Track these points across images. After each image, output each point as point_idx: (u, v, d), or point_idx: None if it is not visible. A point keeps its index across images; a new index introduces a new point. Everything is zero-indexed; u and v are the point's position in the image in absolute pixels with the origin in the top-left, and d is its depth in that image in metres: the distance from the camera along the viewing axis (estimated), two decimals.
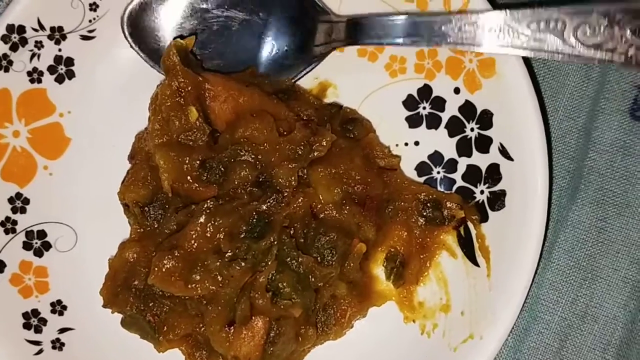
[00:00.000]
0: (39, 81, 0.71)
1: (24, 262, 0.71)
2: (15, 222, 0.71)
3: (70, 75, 0.72)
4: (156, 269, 0.64)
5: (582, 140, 0.74)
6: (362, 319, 0.72)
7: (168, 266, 0.64)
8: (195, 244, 0.65)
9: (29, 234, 0.72)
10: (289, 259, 0.66)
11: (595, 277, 0.73)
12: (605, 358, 0.72)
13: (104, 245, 0.72)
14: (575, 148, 0.74)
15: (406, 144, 0.74)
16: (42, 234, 0.72)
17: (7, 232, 0.71)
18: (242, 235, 0.65)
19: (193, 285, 0.65)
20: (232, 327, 0.65)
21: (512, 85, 0.68)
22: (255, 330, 0.65)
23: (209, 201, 0.65)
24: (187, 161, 0.66)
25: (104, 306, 0.69)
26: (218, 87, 0.67)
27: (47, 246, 0.72)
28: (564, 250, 0.74)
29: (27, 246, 0.72)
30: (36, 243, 0.72)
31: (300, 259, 0.66)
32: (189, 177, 0.66)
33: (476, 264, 0.70)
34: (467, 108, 0.71)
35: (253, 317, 0.65)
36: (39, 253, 0.72)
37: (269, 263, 0.65)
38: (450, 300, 0.71)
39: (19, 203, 0.71)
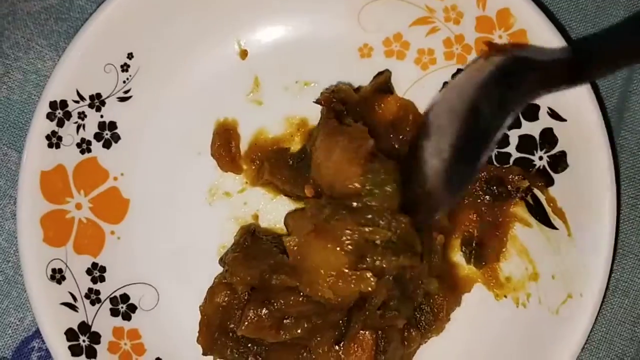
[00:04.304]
0: (89, 150, 0.72)
1: (115, 328, 0.71)
2: (98, 292, 0.72)
3: (116, 138, 0.73)
4: (247, 321, 0.65)
5: (615, 119, 0.75)
6: (458, 308, 0.73)
7: (260, 315, 0.65)
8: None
9: (113, 300, 0.72)
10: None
11: (627, 253, 0.74)
12: (635, 331, 0.74)
13: (186, 295, 0.72)
14: (608, 127, 0.73)
15: None
16: (125, 297, 0.73)
17: (92, 303, 0.71)
18: None
19: (285, 332, 0.65)
20: (341, 345, 0.65)
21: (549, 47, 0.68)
22: (364, 344, 0.65)
23: None
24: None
25: (204, 354, 0.69)
26: None
27: (132, 308, 0.73)
28: None
29: (114, 312, 0.72)
30: (122, 307, 0.72)
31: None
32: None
33: (553, 227, 0.71)
34: None
35: (360, 332, 0.65)
36: (127, 317, 0.72)
37: None
38: (536, 268, 0.72)
39: (97, 272, 0.72)
